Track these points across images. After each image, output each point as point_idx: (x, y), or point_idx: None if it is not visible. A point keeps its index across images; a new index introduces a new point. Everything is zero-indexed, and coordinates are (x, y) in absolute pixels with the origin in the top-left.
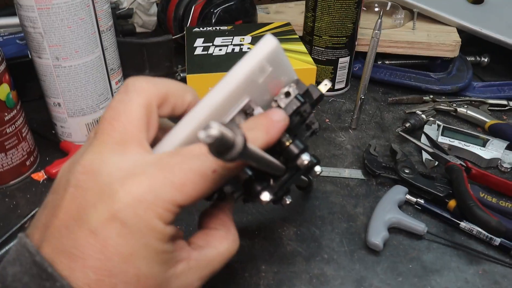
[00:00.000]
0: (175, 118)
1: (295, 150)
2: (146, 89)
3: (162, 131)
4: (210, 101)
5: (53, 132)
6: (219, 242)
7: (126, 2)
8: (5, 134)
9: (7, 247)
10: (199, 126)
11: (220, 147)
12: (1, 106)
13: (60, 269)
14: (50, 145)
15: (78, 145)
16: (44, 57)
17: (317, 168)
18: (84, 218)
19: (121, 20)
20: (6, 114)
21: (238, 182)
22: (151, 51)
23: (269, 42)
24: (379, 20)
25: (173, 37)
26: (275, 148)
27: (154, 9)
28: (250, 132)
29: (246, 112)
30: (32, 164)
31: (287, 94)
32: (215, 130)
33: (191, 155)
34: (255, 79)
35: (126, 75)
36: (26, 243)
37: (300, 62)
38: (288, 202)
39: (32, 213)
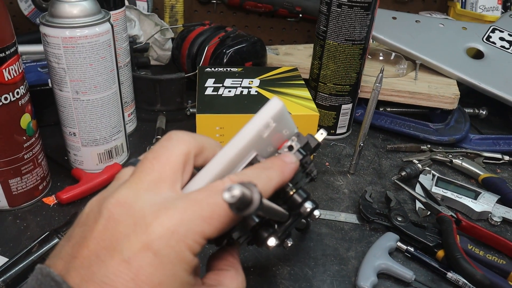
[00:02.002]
0: None
1: (299, 199)
2: (187, 140)
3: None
4: (226, 154)
5: (66, 158)
6: (230, 282)
7: (143, 37)
8: (22, 160)
9: (16, 268)
10: (217, 176)
11: (240, 204)
12: (21, 134)
13: None
14: (62, 171)
15: (89, 173)
16: (65, 90)
17: (316, 212)
18: (117, 248)
19: (137, 53)
20: (25, 141)
21: (245, 228)
22: (164, 87)
23: (275, 104)
24: (381, 74)
25: (186, 75)
26: (279, 196)
27: (169, 44)
28: (268, 170)
29: (253, 164)
30: (44, 188)
31: (290, 147)
32: (237, 190)
33: (216, 190)
34: (261, 135)
35: (138, 108)
36: (50, 272)
37: (304, 108)
38: (289, 244)
39: (42, 237)
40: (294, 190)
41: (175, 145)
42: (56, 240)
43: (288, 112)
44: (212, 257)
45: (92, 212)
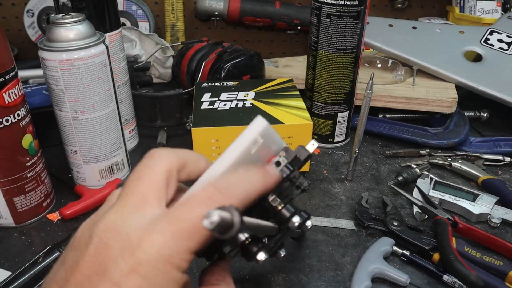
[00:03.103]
0: (191, 182)
1: (286, 214)
2: (168, 157)
3: (178, 194)
4: (215, 171)
5: (70, 176)
6: None
7: (145, 56)
8: (25, 178)
9: (18, 281)
10: None
11: (221, 228)
12: (23, 153)
13: None
14: (66, 188)
15: (91, 189)
16: (64, 110)
17: (308, 223)
18: (107, 272)
19: (139, 71)
20: (28, 160)
21: (235, 242)
22: (163, 103)
23: (260, 122)
24: (371, 81)
25: (184, 91)
26: (268, 210)
27: (170, 62)
28: (250, 177)
29: None
30: (48, 205)
31: (278, 163)
32: (216, 217)
33: (194, 203)
34: (249, 151)
35: (139, 124)
36: None
37: (298, 118)
38: (282, 255)
39: (44, 251)
40: (282, 205)
41: (156, 163)
42: (57, 254)
43: (274, 130)
44: (204, 272)
45: (83, 237)
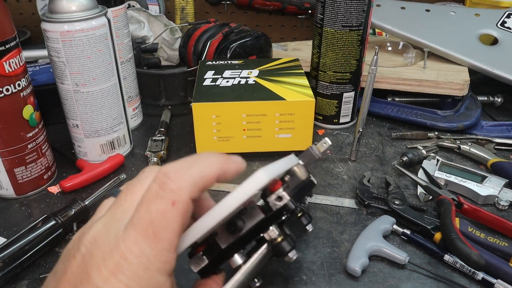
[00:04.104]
0: None
1: (286, 247)
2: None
3: None
4: (209, 222)
5: (73, 152)
6: None
7: (153, 38)
8: (26, 149)
9: (12, 247)
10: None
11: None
12: (24, 124)
13: None
14: (69, 162)
15: (92, 163)
16: (65, 83)
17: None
18: (90, 280)
19: (148, 53)
20: (28, 131)
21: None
22: (167, 82)
23: (260, 177)
24: (375, 57)
25: (188, 70)
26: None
27: (178, 44)
28: (205, 154)
29: (241, 212)
30: (49, 178)
31: (279, 199)
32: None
33: (148, 201)
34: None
35: (144, 103)
36: None
37: (300, 95)
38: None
39: (41, 219)
40: (281, 237)
41: (148, 177)
42: (53, 222)
43: (276, 168)
44: (197, 285)
45: (72, 248)
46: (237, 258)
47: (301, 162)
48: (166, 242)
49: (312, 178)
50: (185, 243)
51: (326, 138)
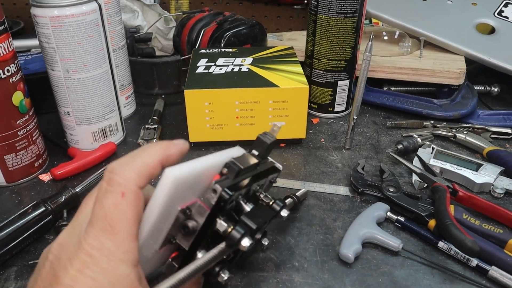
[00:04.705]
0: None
1: (236, 236)
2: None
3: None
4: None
5: (65, 140)
6: None
7: (147, 27)
8: (16, 136)
9: (3, 232)
10: (152, 230)
11: None
12: (14, 110)
13: None
14: (61, 151)
15: (83, 151)
16: (56, 69)
17: (264, 241)
18: (58, 280)
19: (142, 43)
20: (18, 118)
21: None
22: (161, 70)
23: (167, 177)
24: (369, 43)
25: (182, 58)
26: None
27: (172, 33)
28: (147, 145)
29: (186, 213)
30: (40, 166)
31: (214, 191)
32: None
33: (100, 197)
34: (171, 204)
35: (137, 92)
36: None
37: (294, 82)
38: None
39: (30, 205)
40: (231, 228)
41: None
42: (42, 209)
43: (196, 170)
44: None
45: (43, 258)
46: (200, 256)
47: (238, 154)
48: (124, 232)
49: (276, 165)
50: (144, 230)
51: (276, 122)
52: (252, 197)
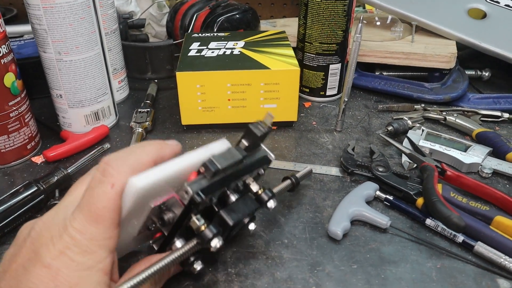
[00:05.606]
0: None
1: (208, 235)
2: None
3: None
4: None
5: (58, 124)
6: None
7: (140, 12)
8: (8, 118)
9: None
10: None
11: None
12: (5, 92)
13: None
14: (53, 134)
15: (76, 134)
16: (48, 51)
17: (251, 226)
18: (38, 257)
19: (135, 29)
20: (10, 100)
21: None
22: (153, 54)
23: (133, 188)
24: (360, 24)
25: (174, 42)
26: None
27: (166, 19)
28: (142, 143)
29: (161, 208)
30: (33, 148)
31: (187, 192)
32: None
33: (93, 186)
34: (141, 208)
35: (130, 77)
36: None
37: (285, 64)
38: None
39: (22, 185)
40: (204, 226)
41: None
42: (35, 188)
43: (165, 177)
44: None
45: (22, 234)
46: (177, 243)
47: (222, 148)
48: (109, 220)
49: (269, 154)
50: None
51: (269, 112)
52: (243, 185)
